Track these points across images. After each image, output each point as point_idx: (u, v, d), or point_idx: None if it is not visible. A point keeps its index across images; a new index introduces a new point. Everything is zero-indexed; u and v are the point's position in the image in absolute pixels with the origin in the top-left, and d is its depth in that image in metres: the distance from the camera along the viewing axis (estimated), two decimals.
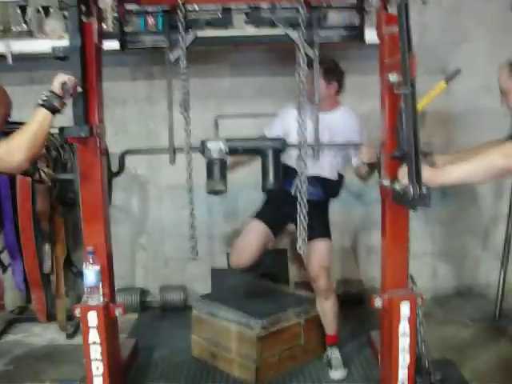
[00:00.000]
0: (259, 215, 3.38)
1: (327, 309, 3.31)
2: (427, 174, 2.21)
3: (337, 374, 3.21)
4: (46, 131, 2.34)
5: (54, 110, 2.33)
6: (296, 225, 3.14)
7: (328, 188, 3.33)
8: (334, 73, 3.21)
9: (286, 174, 3.09)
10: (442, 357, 3.37)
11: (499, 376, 3.17)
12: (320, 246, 3.26)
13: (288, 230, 3.50)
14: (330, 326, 3.35)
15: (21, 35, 3.88)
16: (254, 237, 3.31)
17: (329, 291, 3.29)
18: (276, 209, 3.34)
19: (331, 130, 3.11)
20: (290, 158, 3.06)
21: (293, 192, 3.12)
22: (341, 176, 3.39)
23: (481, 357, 3.41)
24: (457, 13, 4.18)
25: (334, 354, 3.31)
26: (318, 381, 3.20)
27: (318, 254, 3.24)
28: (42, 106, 2.32)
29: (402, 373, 2.60)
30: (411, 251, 2.81)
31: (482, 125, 4.06)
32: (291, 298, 3.51)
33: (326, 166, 3.24)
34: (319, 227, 3.27)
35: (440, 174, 2.30)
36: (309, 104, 2.87)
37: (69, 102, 2.45)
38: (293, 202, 3.03)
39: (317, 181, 3.23)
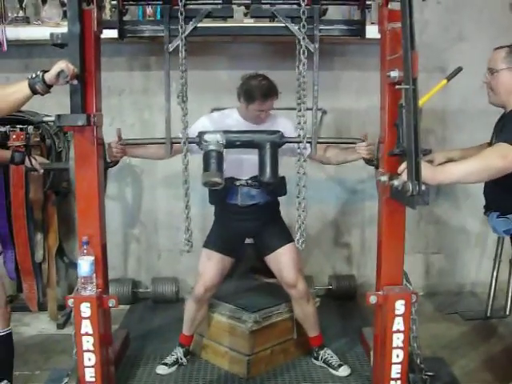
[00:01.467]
0: (211, 244, 3.19)
1: (310, 312, 3.21)
2: (427, 171, 2.22)
3: (343, 371, 3.16)
4: (16, 101, 2.33)
5: (33, 90, 2.31)
6: (256, 238, 3.22)
7: (275, 187, 3.08)
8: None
9: (225, 187, 2.87)
10: (433, 354, 3.39)
11: (489, 374, 3.18)
12: (287, 251, 3.11)
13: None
14: (314, 326, 3.26)
15: (17, 22, 3.83)
16: (212, 267, 3.13)
17: (308, 293, 3.19)
18: (227, 231, 3.17)
19: None
20: (226, 168, 2.87)
21: (239, 202, 3.08)
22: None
23: (471, 355, 3.42)
24: (456, 11, 4.19)
25: (328, 353, 3.26)
26: (310, 375, 3.19)
27: (290, 260, 3.10)
28: (28, 80, 2.31)
29: (395, 370, 2.60)
30: (405, 249, 2.81)
31: (478, 124, 4.05)
32: (283, 292, 3.48)
33: (267, 168, 2.90)
34: (278, 233, 3.16)
35: (440, 172, 2.31)
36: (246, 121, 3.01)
37: (65, 89, 2.43)
38: (244, 214, 3.10)
39: (258, 181, 2.98)
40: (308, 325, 3.25)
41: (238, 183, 3.05)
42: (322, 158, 3.09)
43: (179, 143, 2.71)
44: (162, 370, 3.22)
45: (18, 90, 2.32)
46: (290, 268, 3.09)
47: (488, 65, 2.65)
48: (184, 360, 3.28)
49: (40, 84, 2.30)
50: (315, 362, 3.28)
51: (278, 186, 3.09)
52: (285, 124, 3.06)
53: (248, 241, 3.35)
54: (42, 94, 2.34)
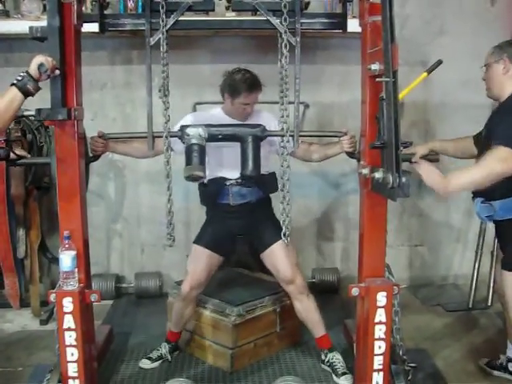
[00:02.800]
0: (201, 241, 3.17)
1: (311, 307, 3.14)
2: (440, 185, 2.42)
3: (344, 380, 3.01)
4: (13, 111, 2.30)
5: (26, 92, 2.29)
6: (250, 236, 3.19)
7: (264, 184, 3.08)
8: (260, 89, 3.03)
9: (215, 187, 3.04)
10: (416, 346, 3.42)
11: (471, 365, 3.22)
12: (282, 246, 3.04)
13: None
14: (319, 324, 3.17)
15: None
16: (200, 264, 3.12)
17: (307, 287, 3.15)
18: (219, 229, 3.14)
19: None
20: (216, 168, 3.01)
21: (231, 202, 3.07)
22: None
23: (454, 346, 3.46)
24: (437, 5, 4.21)
25: (336, 358, 3.12)
26: (293, 368, 3.20)
27: (286, 256, 3.07)
28: (15, 85, 2.28)
29: (378, 361, 2.61)
30: (388, 241, 2.83)
31: (459, 117, 4.10)
32: (267, 285, 3.50)
33: (249, 161, 2.88)
34: (272, 229, 3.09)
35: (448, 183, 2.42)
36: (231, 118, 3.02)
37: (47, 84, 2.41)
38: (236, 212, 3.10)
39: (248, 179, 2.99)
40: (312, 323, 3.18)
41: (228, 183, 3.04)
42: (303, 156, 3.10)
43: (161, 137, 2.71)
44: (145, 364, 3.20)
45: (10, 101, 2.28)
46: (286, 263, 3.06)
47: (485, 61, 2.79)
48: (169, 357, 3.25)
49: (30, 83, 2.28)
50: (322, 365, 3.18)
51: (268, 183, 3.10)
52: (269, 119, 3.05)
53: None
54: (34, 94, 2.32)
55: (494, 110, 2.83)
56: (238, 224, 3.13)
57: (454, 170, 2.61)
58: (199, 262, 3.12)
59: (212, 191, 3.08)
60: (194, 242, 3.19)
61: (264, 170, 2.97)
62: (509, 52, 2.68)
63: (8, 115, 2.29)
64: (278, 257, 3.09)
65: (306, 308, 3.15)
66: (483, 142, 2.73)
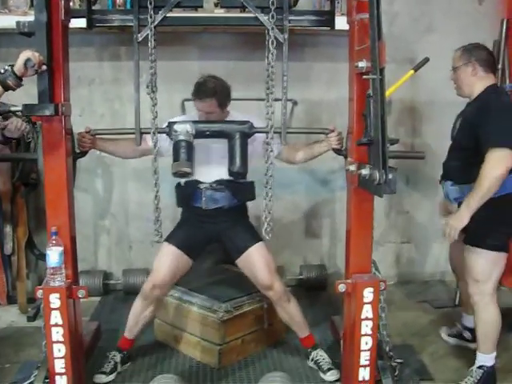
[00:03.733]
0: (173, 239, 3.08)
1: (293, 310, 3.12)
2: (457, 223, 2.69)
3: (331, 375, 3.02)
4: None
5: (5, 86, 2.29)
6: (224, 242, 3.12)
7: (238, 191, 3.04)
8: (226, 98, 3.00)
9: (190, 190, 3.01)
10: (403, 342, 3.44)
11: (457, 361, 3.25)
12: (258, 251, 3.03)
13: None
14: (302, 326, 3.17)
15: None
16: (168, 263, 3.02)
17: (286, 291, 3.09)
18: (193, 231, 3.10)
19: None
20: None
21: (203, 205, 3.02)
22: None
23: (440, 342, 3.48)
24: (426, 3, 4.22)
25: (320, 355, 3.14)
26: (281, 364, 3.21)
27: (262, 261, 3.01)
28: None
29: (364, 357, 2.63)
30: (375, 238, 2.85)
31: (447, 115, 4.09)
32: None
33: (237, 158, 2.88)
34: (247, 234, 3.09)
35: (462, 215, 2.69)
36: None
37: (34, 79, 2.41)
38: (208, 217, 3.05)
39: (222, 185, 3.00)
40: (295, 325, 3.17)
41: (201, 186, 3.01)
42: (288, 157, 3.10)
43: (149, 133, 2.71)
44: (99, 379, 3.00)
45: None
46: (264, 269, 3.00)
47: (452, 64, 2.98)
48: (120, 368, 3.09)
49: (11, 78, 2.28)
50: (307, 362, 3.18)
51: (245, 191, 3.07)
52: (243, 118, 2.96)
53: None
54: (14, 89, 2.31)
55: (469, 103, 2.94)
56: (211, 229, 3.08)
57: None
58: (167, 261, 3.03)
59: (186, 193, 3.06)
60: (165, 240, 3.06)
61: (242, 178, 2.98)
62: (476, 56, 2.88)
63: None
64: (254, 261, 3.02)
65: (288, 312, 3.12)
66: (459, 132, 2.93)
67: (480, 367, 2.91)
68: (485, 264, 2.81)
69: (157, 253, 3.12)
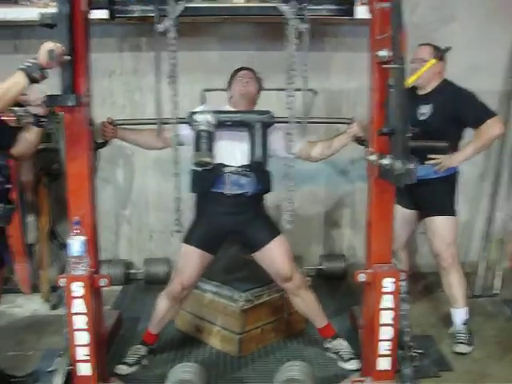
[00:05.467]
0: (192, 240, 3.03)
1: (310, 301, 3.12)
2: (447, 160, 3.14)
3: (352, 365, 3.03)
4: (14, 96, 2.32)
5: (31, 79, 2.30)
6: (242, 235, 3.07)
7: (263, 177, 2.98)
8: (260, 83, 3.14)
9: (212, 173, 2.89)
10: (423, 332, 3.44)
11: (477, 351, 3.24)
12: (278, 246, 3.02)
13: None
14: (320, 315, 3.17)
15: (5, 2, 3.80)
16: (192, 264, 3.02)
17: (304, 283, 3.11)
18: (210, 226, 3.03)
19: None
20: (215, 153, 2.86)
21: (226, 191, 2.92)
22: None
23: None
24: None
25: (341, 344, 3.13)
26: (300, 354, 3.23)
27: (281, 254, 3.01)
28: (22, 70, 2.29)
29: (384, 347, 2.64)
30: None
31: None
32: None
33: (257, 147, 2.91)
34: (265, 228, 3.06)
35: (456, 156, 3.19)
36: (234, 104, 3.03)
37: (56, 71, 2.42)
38: (228, 206, 2.96)
39: (249, 170, 2.93)
40: (313, 315, 3.18)
41: (226, 170, 2.91)
42: (309, 156, 3.08)
43: (170, 123, 2.72)
44: (121, 369, 3.03)
45: (13, 84, 2.29)
46: (284, 262, 3.00)
47: (417, 56, 3.23)
48: (146, 361, 3.12)
49: (38, 71, 2.29)
50: (327, 352, 3.17)
51: (267, 180, 3.01)
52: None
53: None
54: (39, 82, 2.33)
55: (421, 96, 3.29)
56: (230, 221, 3.00)
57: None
58: (190, 262, 3.02)
59: (207, 177, 2.92)
60: (185, 242, 3.05)
61: (266, 162, 2.97)
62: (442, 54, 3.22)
63: (8, 97, 2.30)
64: (274, 255, 3.01)
65: (306, 303, 3.13)
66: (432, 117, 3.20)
67: (464, 322, 3.32)
68: (454, 227, 3.33)
69: (179, 254, 3.11)
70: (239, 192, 2.93)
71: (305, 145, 2.98)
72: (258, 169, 2.93)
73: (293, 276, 3.02)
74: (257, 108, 3.04)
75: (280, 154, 2.93)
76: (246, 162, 2.92)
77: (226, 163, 2.92)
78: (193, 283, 3.09)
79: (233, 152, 2.94)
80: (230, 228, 3.04)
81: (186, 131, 2.86)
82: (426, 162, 3.15)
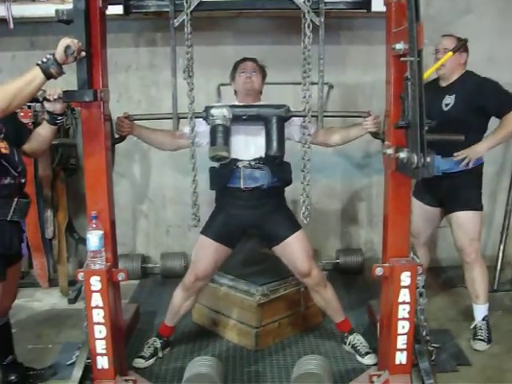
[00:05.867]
0: (209, 232, 3.04)
1: (329, 296, 3.11)
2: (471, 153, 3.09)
3: (369, 359, 3.05)
4: (32, 92, 2.31)
5: (48, 75, 2.30)
6: (261, 229, 3.06)
7: (277, 169, 2.96)
8: (264, 73, 3.10)
9: (226, 169, 2.92)
10: (440, 327, 3.42)
11: (495, 346, 3.22)
12: (296, 240, 3.00)
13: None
14: (339, 311, 3.17)
15: None
16: (207, 256, 3.02)
17: (323, 277, 3.10)
18: (229, 220, 3.02)
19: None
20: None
21: (242, 185, 2.92)
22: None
23: None
24: None
25: (358, 339, 3.15)
26: (317, 348, 3.23)
27: (301, 249, 3.00)
28: (39, 66, 2.29)
29: (401, 341, 2.62)
30: None
31: None
32: None
33: (274, 142, 2.89)
34: (284, 222, 3.04)
35: (479, 149, 3.12)
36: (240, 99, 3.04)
37: (72, 66, 2.44)
38: (246, 199, 2.97)
39: (263, 163, 2.93)
40: (331, 311, 3.17)
41: (240, 165, 2.92)
42: (324, 140, 3.06)
43: (186, 118, 2.74)
44: (138, 363, 3.05)
45: (30, 80, 2.28)
46: (303, 257, 2.99)
47: (442, 46, 3.20)
48: (160, 353, 3.13)
49: (54, 66, 2.28)
50: (344, 346, 3.19)
51: (284, 170, 3.00)
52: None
53: None
54: (56, 77, 2.33)
55: (440, 88, 3.25)
56: (249, 215, 3.00)
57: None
58: (206, 254, 3.02)
59: (222, 173, 2.95)
60: (202, 233, 3.05)
61: (282, 153, 2.93)
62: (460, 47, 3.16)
63: (24, 93, 2.29)
64: (293, 250, 3.00)
65: (325, 298, 3.12)
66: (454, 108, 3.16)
67: (484, 318, 3.29)
68: (478, 223, 3.26)
69: (195, 245, 3.12)
70: (254, 185, 2.93)
71: (321, 130, 2.94)
72: (272, 161, 2.92)
73: (311, 272, 3.01)
74: (272, 102, 3.03)
75: (295, 137, 2.96)
76: (260, 155, 2.92)
77: (238, 157, 2.93)
78: (208, 275, 3.09)
79: (247, 146, 2.94)
80: (248, 222, 3.04)
81: (201, 128, 2.87)
82: (453, 159, 3.12)
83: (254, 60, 3.06)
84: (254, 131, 2.92)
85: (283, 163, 2.99)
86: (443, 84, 3.25)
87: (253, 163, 2.92)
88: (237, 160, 2.92)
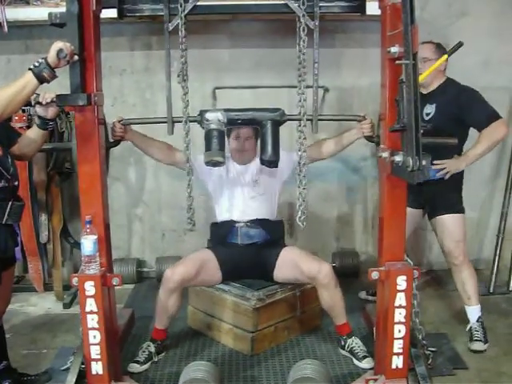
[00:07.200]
0: (213, 248, 3.27)
1: (338, 297, 3.12)
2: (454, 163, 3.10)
3: (366, 363, 3.02)
4: (25, 97, 2.31)
5: (41, 79, 2.29)
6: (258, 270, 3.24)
7: (270, 229, 3.26)
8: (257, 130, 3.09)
9: (225, 229, 3.23)
10: (436, 330, 3.42)
11: (492, 349, 3.21)
12: (289, 252, 3.22)
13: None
14: (342, 313, 3.16)
15: (16, 2, 3.82)
16: (196, 257, 3.17)
17: (334, 277, 3.09)
18: (234, 255, 3.21)
19: (268, 172, 3.19)
20: (226, 212, 3.26)
21: (239, 241, 3.22)
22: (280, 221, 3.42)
23: None
24: None
25: (356, 343, 3.12)
26: (313, 352, 3.22)
27: (298, 257, 3.15)
28: (31, 71, 2.29)
29: (397, 345, 2.62)
30: None
31: None
32: None
33: (263, 207, 3.27)
34: (277, 248, 3.24)
35: (463, 159, 3.13)
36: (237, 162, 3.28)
37: (66, 70, 2.42)
38: (244, 252, 3.19)
39: (256, 224, 3.22)
40: (336, 312, 3.15)
41: (237, 225, 3.21)
42: (318, 156, 3.19)
43: (180, 121, 2.73)
44: (133, 368, 3.03)
45: (23, 85, 2.28)
46: (304, 261, 3.09)
47: (419, 55, 3.08)
48: (156, 358, 3.11)
49: (46, 70, 2.28)
50: (341, 351, 3.18)
51: (275, 230, 3.31)
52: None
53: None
54: (49, 81, 2.32)
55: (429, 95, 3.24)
56: (247, 259, 3.19)
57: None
58: (197, 258, 3.17)
59: (222, 233, 3.25)
60: (209, 249, 3.27)
61: (272, 216, 3.30)
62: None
63: (18, 99, 2.29)
64: (289, 263, 3.16)
65: (334, 298, 3.11)
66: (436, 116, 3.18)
67: (478, 319, 3.29)
68: (463, 225, 3.30)
69: (196, 250, 3.26)
70: (250, 242, 3.21)
71: (313, 144, 3.00)
72: (266, 221, 3.24)
73: (321, 267, 3.05)
74: (268, 106, 3.02)
75: (289, 175, 3.23)
76: (255, 217, 3.22)
77: (235, 219, 3.24)
78: (186, 276, 3.05)
79: (241, 208, 3.24)
80: (248, 272, 3.27)
81: (199, 165, 3.01)
82: (433, 167, 3.06)
83: (248, 126, 3.09)
84: (248, 193, 3.24)
85: (277, 221, 3.33)
86: (424, 91, 3.21)
87: (248, 224, 3.21)
88: (234, 221, 3.22)
